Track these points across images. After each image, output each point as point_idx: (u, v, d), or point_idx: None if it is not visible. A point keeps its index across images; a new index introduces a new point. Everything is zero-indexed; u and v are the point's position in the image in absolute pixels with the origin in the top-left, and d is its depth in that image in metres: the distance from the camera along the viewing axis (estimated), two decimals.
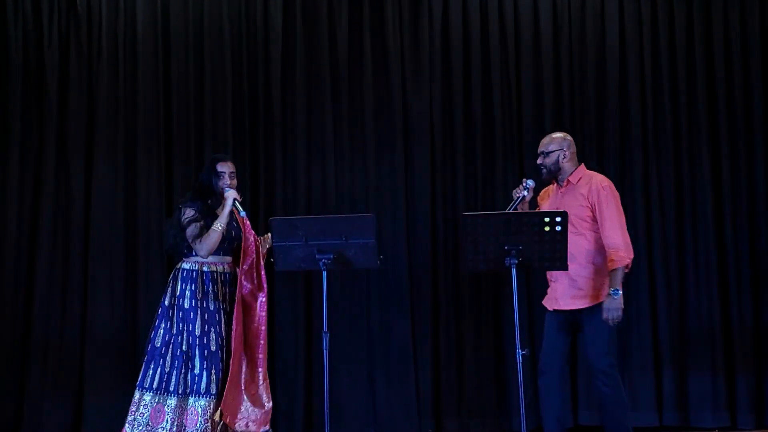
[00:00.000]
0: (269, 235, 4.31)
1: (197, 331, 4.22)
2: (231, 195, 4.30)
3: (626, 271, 4.16)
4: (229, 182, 4.36)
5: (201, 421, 4.15)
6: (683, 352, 5.57)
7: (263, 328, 4.35)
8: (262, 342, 4.33)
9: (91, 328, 5.38)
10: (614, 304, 4.07)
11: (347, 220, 4.21)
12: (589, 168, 4.42)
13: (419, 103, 5.76)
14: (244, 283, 4.32)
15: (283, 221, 4.19)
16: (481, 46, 5.80)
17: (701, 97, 5.78)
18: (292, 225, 4.10)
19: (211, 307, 4.27)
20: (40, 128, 5.55)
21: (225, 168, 4.39)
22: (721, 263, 5.65)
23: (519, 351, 3.87)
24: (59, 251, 5.46)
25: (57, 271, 5.44)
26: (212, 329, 4.24)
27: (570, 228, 4.03)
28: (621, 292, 4.07)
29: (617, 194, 4.27)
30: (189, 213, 4.29)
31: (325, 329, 4.05)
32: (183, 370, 4.20)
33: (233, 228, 4.37)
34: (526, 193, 4.24)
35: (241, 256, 4.30)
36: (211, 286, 4.28)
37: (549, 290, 4.37)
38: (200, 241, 4.24)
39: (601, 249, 4.18)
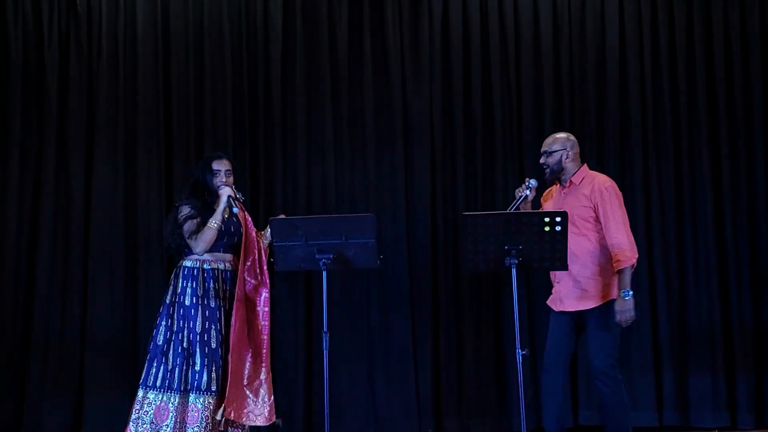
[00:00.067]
0: (268, 230, 4.35)
1: (198, 329, 4.22)
2: (225, 192, 4.30)
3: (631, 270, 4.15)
4: (224, 180, 4.37)
5: (201, 418, 4.15)
6: (683, 352, 5.57)
7: (266, 323, 4.35)
8: (265, 338, 4.34)
9: (91, 328, 5.38)
10: (626, 306, 4.06)
11: (347, 220, 4.20)
12: (589, 168, 4.41)
13: (419, 103, 5.76)
14: (247, 278, 4.34)
15: (283, 221, 4.19)
16: (481, 46, 5.80)
17: (701, 97, 5.78)
18: (292, 225, 4.10)
19: (212, 305, 4.28)
20: (40, 128, 5.55)
21: (220, 166, 4.39)
22: (721, 263, 5.65)
23: (519, 351, 3.86)
24: (59, 251, 5.46)
25: (57, 271, 5.44)
26: (213, 326, 4.25)
27: (573, 229, 4.03)
28: (632, 292, 4.06)
29: (620, 194, 4.26)
30: (185, 210, 4.32)
31: (325, 329, 4.04)
32: (184, 368, 4.20)
33: (233, 224, 4.37)
34: (528, 192, 4.23)
35: (242, 252, 4.31)
36: (212, 284, 4.29)
37: (553, 291, 4.36)
38: (196, 238, 4.26)
39: (604, 249, 4.17)
